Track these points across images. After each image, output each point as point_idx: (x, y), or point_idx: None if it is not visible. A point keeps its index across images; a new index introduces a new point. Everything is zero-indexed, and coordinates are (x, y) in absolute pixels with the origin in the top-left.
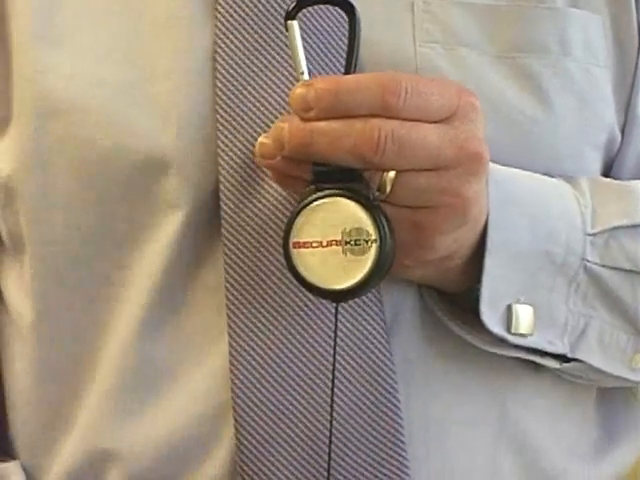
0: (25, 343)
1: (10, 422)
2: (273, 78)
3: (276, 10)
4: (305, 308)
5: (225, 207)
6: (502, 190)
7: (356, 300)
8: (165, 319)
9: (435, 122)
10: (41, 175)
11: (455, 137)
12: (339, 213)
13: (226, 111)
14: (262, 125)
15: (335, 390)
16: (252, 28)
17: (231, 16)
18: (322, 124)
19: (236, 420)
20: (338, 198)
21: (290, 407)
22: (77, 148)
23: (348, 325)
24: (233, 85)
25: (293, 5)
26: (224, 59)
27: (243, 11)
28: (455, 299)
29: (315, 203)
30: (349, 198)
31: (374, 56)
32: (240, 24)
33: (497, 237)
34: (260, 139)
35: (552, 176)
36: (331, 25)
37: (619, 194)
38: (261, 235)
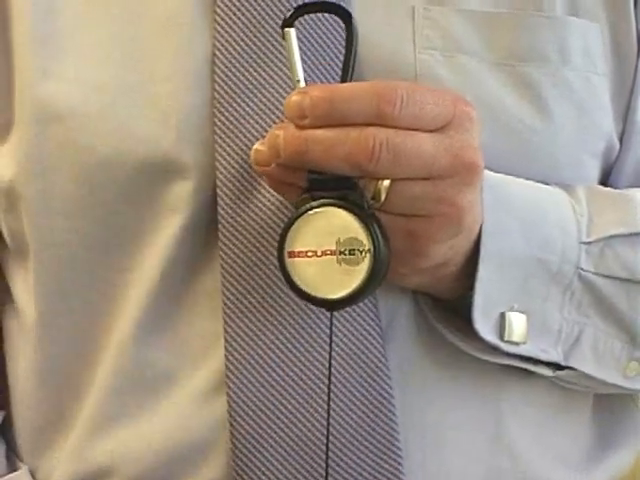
0: (27, 343)
1: (13, 421)
2: (271, 82)
3: (275, 14)
4: (301, 313)
5: (222, 211)
6: (495, 194)
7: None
8: (162, 323)
9: (430, 131)
10: (42, 180)
11: (450, 146)
12: (333, 223)
13: (224, 115)
14: (260, 130)
15: (331, 395)
16: (251, 32)
17: (230, 19)
18: (317, 132)
19: (232, 425)
20: (332, 208)
21: (286, 412)
22: (77, 153)
23: (344, 330)
24: (231, 89)
25: (291, 13)
26: (223, 62)
27: (243, 15)
28: (450, 306)
29: (309, 213)
30: (343, 208)
31: (374, 61)
32: (239, 27)
33: (491, 245)
34: (255, 146)
35: (549, 184)
36: (328, 33)
37: (616, 202)
38: (258, 240)
